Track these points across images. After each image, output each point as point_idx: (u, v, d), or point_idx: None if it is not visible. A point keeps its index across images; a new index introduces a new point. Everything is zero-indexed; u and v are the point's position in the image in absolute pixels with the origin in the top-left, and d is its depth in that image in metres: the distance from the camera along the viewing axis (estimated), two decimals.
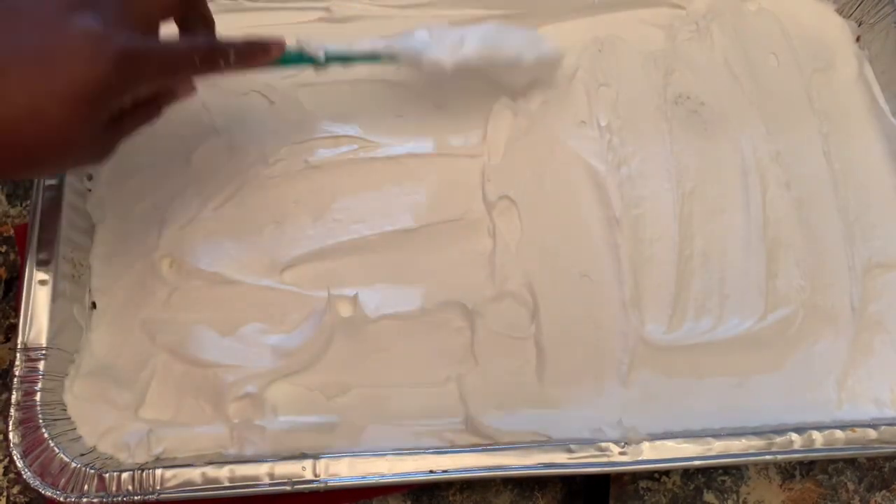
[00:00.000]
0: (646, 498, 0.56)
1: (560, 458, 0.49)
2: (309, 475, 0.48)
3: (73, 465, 0.48)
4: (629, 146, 0.61)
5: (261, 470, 0.48)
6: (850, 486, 0.57)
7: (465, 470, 0.48)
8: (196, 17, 0.46)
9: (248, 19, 0.64)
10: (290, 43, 0.49)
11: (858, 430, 0.51)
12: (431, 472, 0.48)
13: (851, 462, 0.57)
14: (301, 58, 0.51)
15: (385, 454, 0.48)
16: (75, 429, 0.50)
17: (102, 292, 0.55)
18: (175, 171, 0.58)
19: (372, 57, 0.54)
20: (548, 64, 0.60)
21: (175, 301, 0.55)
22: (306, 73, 0.62)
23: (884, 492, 0.57)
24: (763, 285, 0.57)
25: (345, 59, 0.53)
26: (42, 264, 0.52)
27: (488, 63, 0.57)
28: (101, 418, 0.51)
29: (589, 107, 0.62)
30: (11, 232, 0.61)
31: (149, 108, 0.46)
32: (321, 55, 0.51)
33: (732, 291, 0.57)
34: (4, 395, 0.56)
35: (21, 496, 0.54)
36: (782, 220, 0.59)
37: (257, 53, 0.47)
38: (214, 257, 0.56)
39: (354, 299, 0.54)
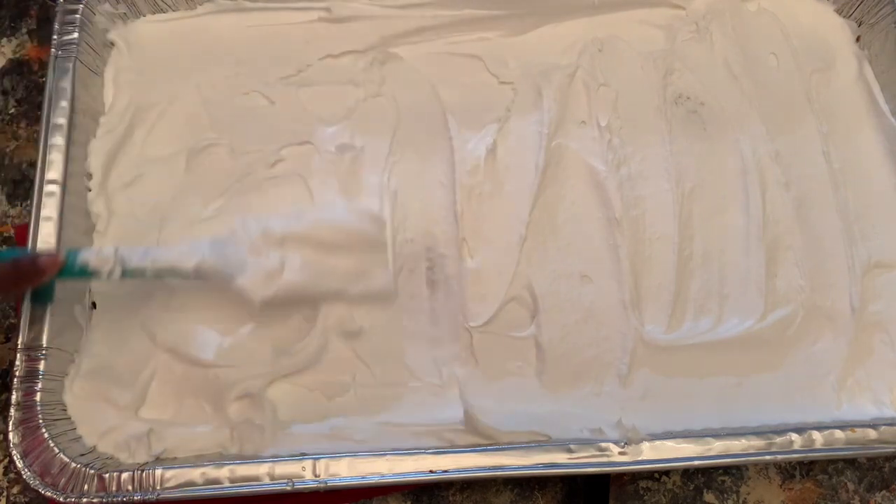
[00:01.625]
0: (646, 498, 0.56)
1: (560, 458, 0.49)
2: (309, 475, 0.48)
3: (73, 465, 0.48)
4: (629, 146, 0.61)
5: (261, 470, 0.48)
6: (850, 486, 0.57)
7: (465, 470, 0.48)
8: None
9: (249, 19, 0.64)
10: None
11: (858, 430, 0.51)
12: (431, 472, 0.48)
13: (851, 462, 0.57)
14: (86, 272, 0.48)
15: (385, 454, 0.49)
16: (75, 429, 0.50)
17: (102, 292, 0.55)
18: (175, 171, 0.58)
19: (180, 273, 0.50)
20: (380, 297, 0.53)
21: (175, 301, 0.55)
22: (307, 74, 0.63)
23: (884, 492, 0.57)
24: (763, 285, 0.57)
25: (142, 273, 0.49)
26: None
27: (305, 291, 0.51)
28: (101, 418, 0.51)
29: (589, 107, 0.62)
30: (11, 232, 0.61)
31: None
32: (116, 271, 0.48)
33: (732, 291, 0.57)
34: (4, 395, 0.55)
35: (21, 496, 0.54)
36: (782, 220, 0.59)
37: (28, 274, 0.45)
38: None
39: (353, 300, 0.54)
